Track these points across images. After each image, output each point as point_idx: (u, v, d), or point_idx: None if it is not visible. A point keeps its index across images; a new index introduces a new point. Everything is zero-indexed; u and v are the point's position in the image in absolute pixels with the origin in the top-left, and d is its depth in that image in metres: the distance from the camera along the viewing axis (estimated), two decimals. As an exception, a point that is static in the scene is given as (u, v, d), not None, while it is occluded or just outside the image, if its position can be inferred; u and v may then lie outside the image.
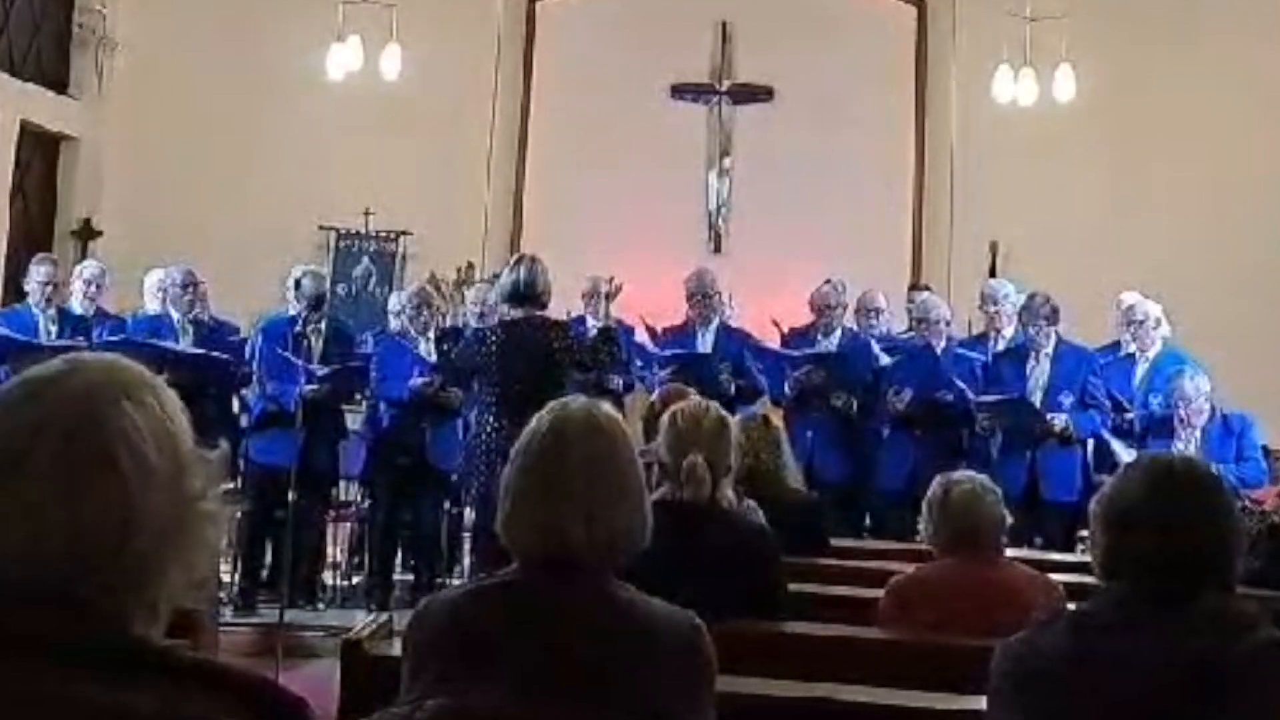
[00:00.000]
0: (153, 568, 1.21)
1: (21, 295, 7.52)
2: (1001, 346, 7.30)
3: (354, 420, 7.47)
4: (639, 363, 7.40)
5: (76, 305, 7.40)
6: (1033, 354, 6.84)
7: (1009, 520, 3.64)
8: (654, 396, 5.46)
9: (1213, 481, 2.22)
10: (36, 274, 7.24)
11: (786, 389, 7.14)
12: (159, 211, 10.18)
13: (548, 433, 2.15)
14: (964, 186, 10.56)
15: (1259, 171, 10.12)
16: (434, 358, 7.03)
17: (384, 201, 10.51)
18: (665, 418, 3.43)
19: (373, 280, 10.74)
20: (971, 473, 3.81)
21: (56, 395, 1.22)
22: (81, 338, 6.91)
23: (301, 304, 6.96)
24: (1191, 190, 10.19)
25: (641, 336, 7.58)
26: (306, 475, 6.48)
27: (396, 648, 2.42)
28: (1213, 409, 6.55)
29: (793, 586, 3.46)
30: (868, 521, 7.12)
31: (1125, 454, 6.07)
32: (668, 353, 7.29)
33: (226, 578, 6.90)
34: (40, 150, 10.33)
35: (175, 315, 7.18)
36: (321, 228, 10.64)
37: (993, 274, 9.80)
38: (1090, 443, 6.79)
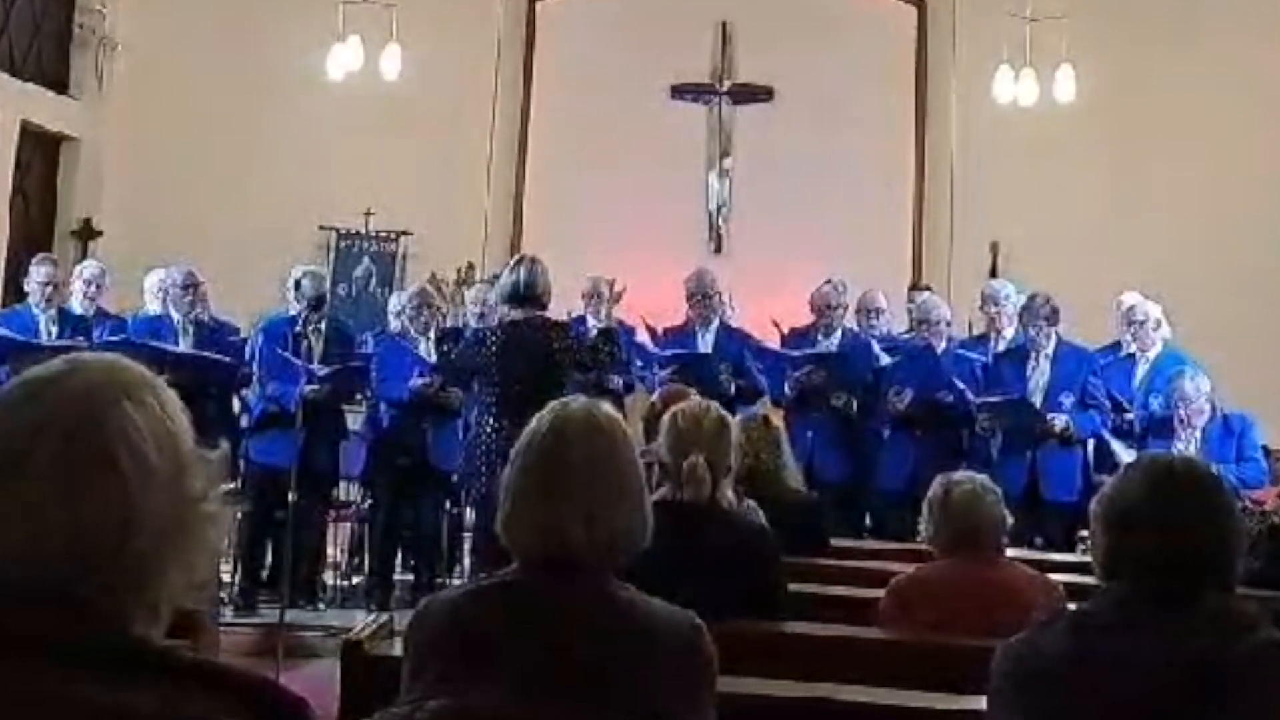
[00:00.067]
0: (153, 568, 1.21)
1: (22, 295, 7.52)
2: (1002, 347, 7.30)
3: (354, 420, 7.47)
4: (639, 363, 7.40)
5: (77, 305, 7.40)
6: (1033, 354, 6.84)
7: (1009, 520, 3.64)
8: (655, 397, 5.46)
9: (1213, 482, 2.22)
10: (37, 274, 7.23)
11: (787, 389, 7.14)
12: (159, 211, 10.18)
13: (548, 433, 2.16)
14: (964, 187, 10.56)
15: (1259, 171, 10.12)
16: (434, 358, 7.02)
17: (384, 202, 10.51)
18: (666, 418, 3.44)
19: (373, 280, 10.74)
20: (972, 473, 3.81)
21: (56, 395, 1.22)
22: (82, 338, 6.91)
23: (302, 304, 6.96)
24: (1191, 190, 10.19)
25: (642, 336, 7.58)
26: (307, 475, 6.47)
27: (397, 648, 2.42)
28: (1213, 409, 6.55)
29: (793, 586, 3.46)
30: (868, 522, 7.12)
31: (1125, 454, 6.07)
32: (668, 353, 7.29)
33: (227, 578, 6.90)
34: (40, 150, 10.33)
35: (176, 316, 7.18)
36: (322, 228, 10.64)
37: (993, 274, 9.80)
38: (1090, 443, 6.79)
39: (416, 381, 7.03)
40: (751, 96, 11.01)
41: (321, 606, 7.06)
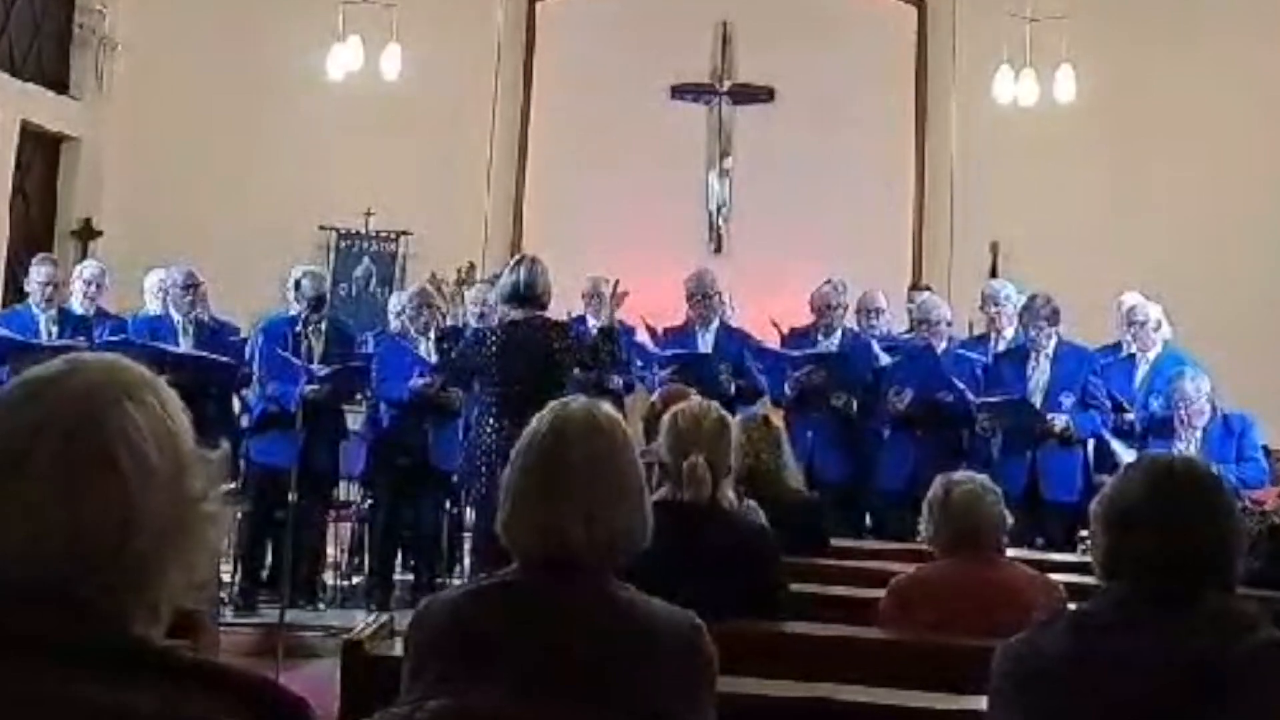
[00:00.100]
0: (153, 568, 1.21)
1: (22, 295, 7.53)
2: (1002, 347, 7.31)
3: (354, 420, 7.47)
4: (639, 363, 7.40)
5: (77, 305, 7.39)
6: (1033, 355, 6.84)
7: (1009, 520, 3.64)
8: (655, 397, 5.46)
9: (1213, 482, 2.22)
10: (37, 274, 7.23)
11: (787, 389, 7.14)
12: (159, 211, 10.18)
13: (548, 433, 2.16)
14: (964, 187, 10.55)
15: (1259, 171, 10.12)
16: (434, 358, 7.02)
17: (384, 202, 10.51)
18: (666, 418, 3.44)
19: (373, 280, 10.74)
20: (972, 473, 3.81)
21: (56, 395, 1.22)
22: (82, 338, 6.91)
23: (302, 304, 6.95)
24: (1191, 190, 10.19)
25: (642, 336, 7.58)
26: (307, 476, 6.47)
27: (397, 648, 2.42)
28: (1213, 409, 6.55)
29: (793, 586, 3.46)
30: (868, 522, 7.12)
31: (1126, 454, 6.07)
32: (668, 353, 7.29)
33: (227, 578, 6.90)
34: (41, 150, 10.33)
35: (176, 316, 7.18)
36: (322, 228, 10.64)
37: (993, 274, 9.81)
38: (1091, 443, 6.79)
39: (417, 382, 7.04)
40: (751, 96, 11.01)
41: (321, 606, 7.06)
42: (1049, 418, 6.63)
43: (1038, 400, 6.72)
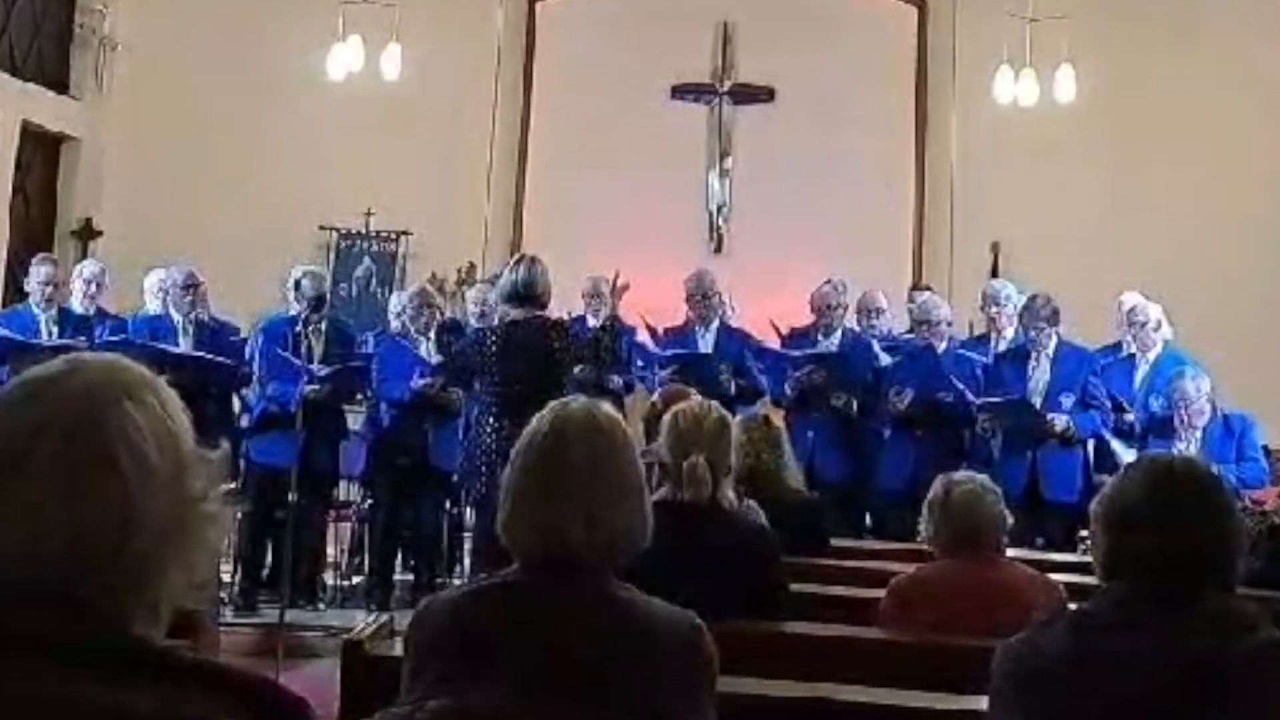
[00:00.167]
0: (153, 568, 1.21)
1: (22, 295, 7.53)
2: (1002, 347, 7.31)
3: (355, 420, 7.47)
4: (639, 363, 7.40)
5: (77, 305, 7.39)
6: (1033, 355, 6.84)
7: (1010, 521, 3.64)
8: (655, 397, 5.47)
9: (1213, 482, 2.22)
10: (37, 274, 7.24)
11: (787, 389, 7.14)
12: (159, 211, 10.18)
13: (548, 433, 2.16)
14: (965, 187, 10.55)
15: (1259, 171, 10.12)
16: (435, 354, 7.02)
17: (384, 202, 10.51)
18: (666, 418, 3.44)
19: (373, 280, 10.74)
20: (972, 473, 3.81)
21: (56, 395, 1.22)
22: (83, 338, 6.91)
23: (302, 304, 6.95)
24: (1191, 190, 10.19)
25: (642, 336, 7.58)
26: (307, 476, 6.47)
27: (397, 648, 2.42)
28: (1213, 409, 6.55)
29: (793, 586, 3.46)
30: (868, 522, 7.12)
31: (1126, 454, 6.07)
32: (668, 353, 7.30)
33: (227, 578, 6.90)
34: (41, 150, 10.33)
35: (176, 316, 7.18)
36: (322, 228, 10.64)
37: (994, 274, 9.81)
38: (1091, 443, 6.79)
39: (418, 382, 7.04)
40: (752, 96, 11.01)
41: (321, 606, 7.06)
42: (1049, 418, 6.63)
43: (1038, 400, 6.71)
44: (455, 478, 6.95)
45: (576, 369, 6.28)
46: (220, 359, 6.98)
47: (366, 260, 10.79)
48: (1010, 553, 3.80)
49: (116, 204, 10.44)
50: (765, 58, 10.90)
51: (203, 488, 1.26)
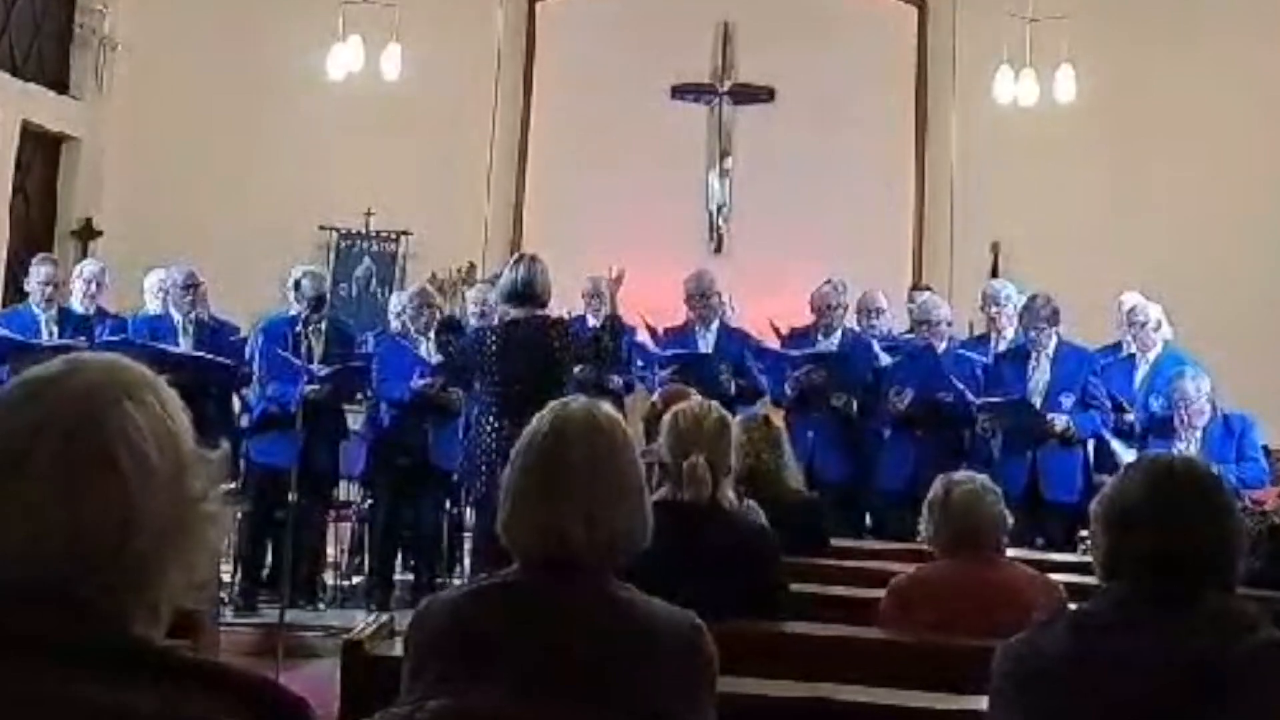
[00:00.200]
0: (153, 568, 1.21)
1: (22, 295, 7.53)
2: (1002, 347, 7.31)
3: (355, 420, 7.47)
4: (639, 363, 7.40)
5: (77, 305, 7.40)
6: (1033, 355, 6.84)
7: (1010, 521, 3.64)
8: (655, 397, 5.47)
9: (1213, 482, 2.22)
10: (37, 274, 7.24)
11: (787, 389, 7.14)
12: (159, 211, 10.18)
13: (548, 433, 2.16)
14: (965, 187, 10.55)
15: (1259, 171, 10.12)
16: (435, 358, 7.02)
17: (384, 202, 10.51)
18: (667, 418, 3.44)
19: (373, 280, 10.74)
20: (972, 473, 3.81)
21: (56, 395, 1.22)
22: (83, 338, 6.91)
23: (302, 304, 6.95)
24: (1191, 190, 10.19)
25: (642, 336, 7.58)
26: (307, 476, 6.47)
27: (397, 648, 2.42)
28: (1213, 409, 6.55)
29: (793, 586, 3.46)
30: (868, 522, 7.12)
31: (1126, 455, 6.07)
32: (668, 353, 7.30)
33: (227, 578, 6.90)
34: (41, 150, 10.33)
35: (176, 316, 7.18)
36: (322, 228, 10.64)
37: (994, 274, 9.81)
38: (1091, 443, 6.79)
39: (418, 382, 7.04)
40: (752, 96, 11.01)
41: (321, 606, 7.07)
42: (1049, 418, 6.63)
43: (1038, 400, 6.71)
44: (455, 478, 6.95)
45: (576, 369, 6.28)
46: (220, 359, 6.98)
47: (366, 260, 10.79)
48: (1010, 553, 3.80)
49: (116, 204, 10.44)
50: (765, 58, 10.90)
51: (203, 488, 1.26)
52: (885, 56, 11.08)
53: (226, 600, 6.77)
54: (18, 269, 8.84)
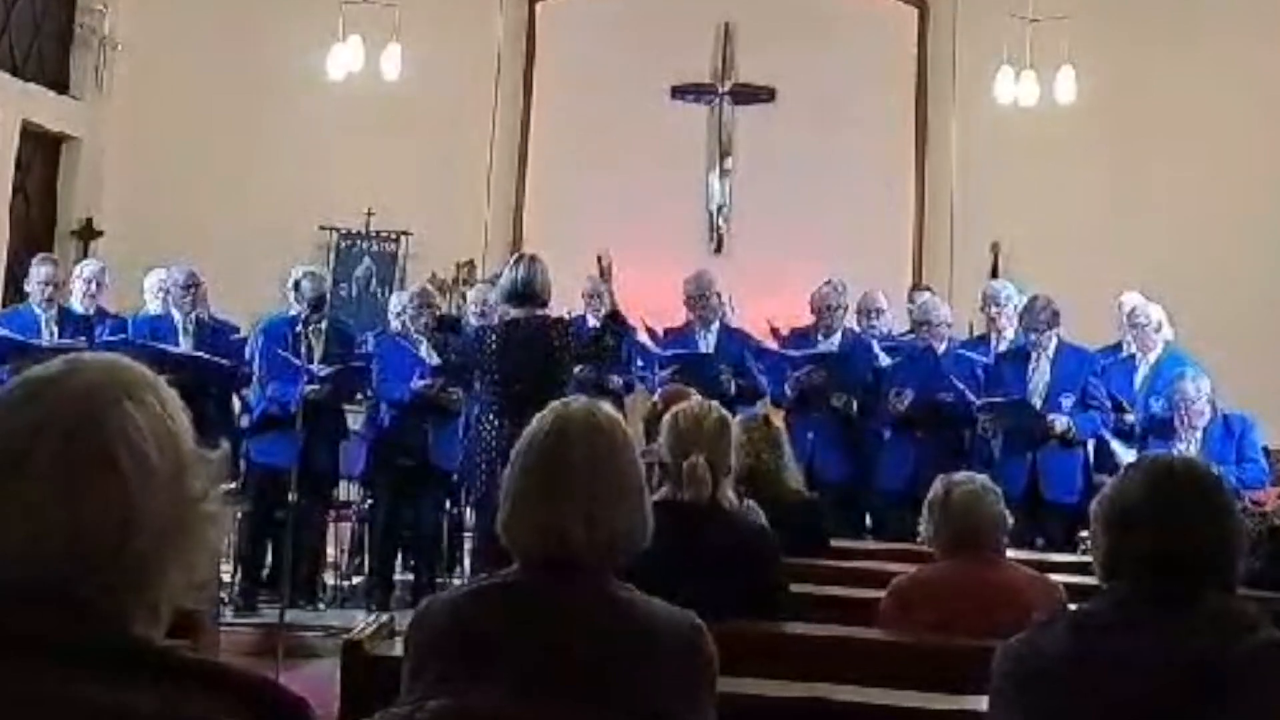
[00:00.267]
0: (153, 568, 1.21)
1: (22, 295, 7.53)
2: (1003, 348, 7.31)
3: (355, 420, 7.47)
4: (639, 363, 7.40)
5: (77, 305, 7.40)
6: (1034, 355, 6.84)
7: (1010, 521, 3.64)
8: (656, 397, 5.47)
9: (1213, 482, 2.22)
10: (37, 274, 7.24)
11: (787, 389, 7.14)
12: (159, 211, 10.18)
13: (549, 433, 2.16)
14: (965, 187, 10.55)
15: (1259, 171, 10.12)
16: (434, 358, 7.01)
17: (384, 202, 10.51)
18: (667, 419, 3.44)
19: (373, 281, 10.73)
20: (972, 474, 3.81)
21: (56, 395, 1.22)
22: (83, 338, 6.91)
23: (302, 305, 6.96)
24: (1191, 190, 10.19)
25: (642, 337, 7.58)
26: (307, 476, 6.47)
27: (397, 648, 2.42)
28: (1213, 410, 6.55)
29: (793, 587, 3.46)
30: (868, 522, 7.12)
31: (1126, 455, 6.07)
32: (669, 353, 7.30)
33: (227, 578, 6.90)
34: (41, 150, 10.32)
35: (176, 316, 7.18)
36: (322, 228, 10.64)
37: (994, 275, 9.80)
38: (1091, 444, 6.79)
39: (418, 382, 7.04)
40: (752, 97, 11.00)
41: (321, 606, 7.07)
42: (1049, 418, 6.63)
43: (1038, 401, 6.72)
44: (455, 477, 6.95)
45: (577, 369, 6.28)
46: (220, 359, 6.99)
47: (366, 260, 10.79)
48: (1010, 553, 3.80)
49: (116, 204, 10.44)
50: (765, 58, 10.89)
51: (203, 488, 1.26)
52: (885, 57, 11.08)
53: (226, 600, 6.77)
54: (18, 269, 8.83)
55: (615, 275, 6.20)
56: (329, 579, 7.43)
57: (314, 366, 6.76)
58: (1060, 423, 6.62)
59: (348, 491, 7.83)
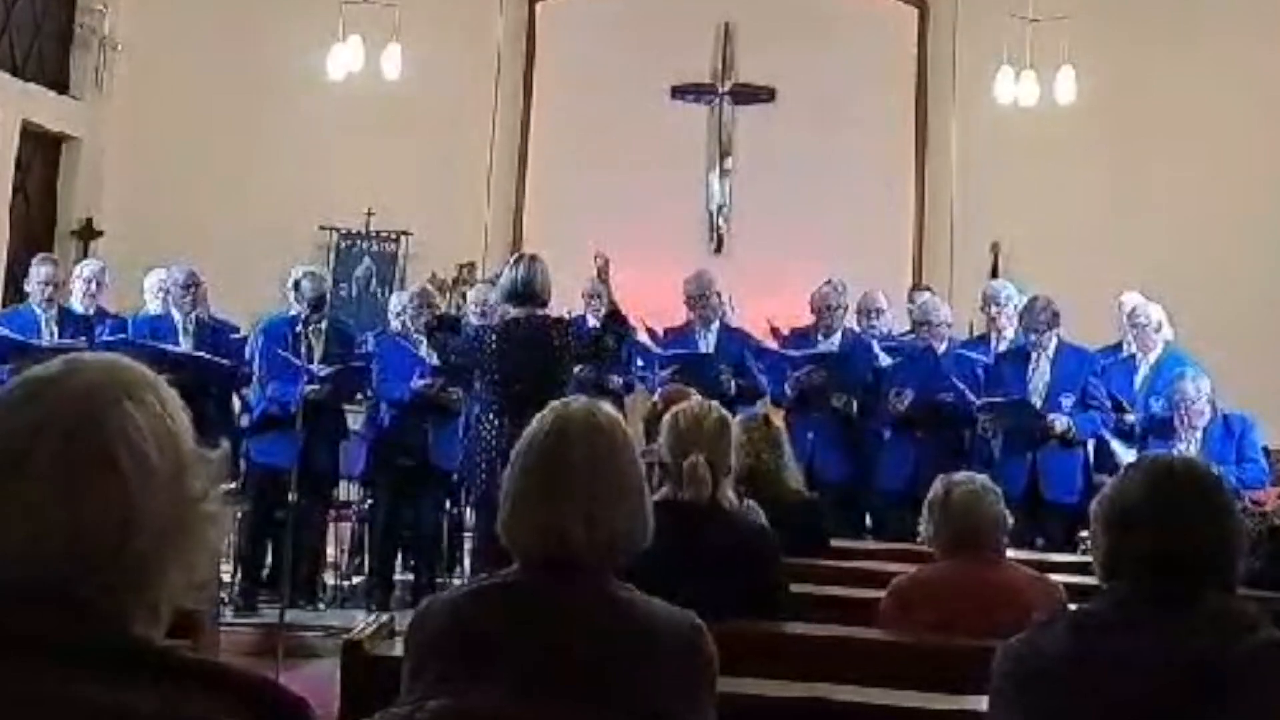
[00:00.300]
0: (153, 568, 1.21)
1: (22, 295, 7.53)
2: (1003, 347, 7.31)
3: (355, 420, 7.47)
4: (639, 363, 7.40)
5: (77, 304, 7.40)
6: (1034, 355, 6.84)
7: (1010, 521, 3.64)
8: (655, 397, 5.47)
9: (1213, 482, 2.22)
10: (37, 274, 7.24)
11: (787, 389, 7.14)
12: (159, 211, 10.18)
13: (549, 433, 2.16)
14: (965, 187, 10.55)
15: (1259, 171, 10.12)
16: (434, 358, 7.00)
17: (384, 202, 10.51)
18: (667, 418, 3.44)
19: (373, 281, 10.73)
20: (972, 474, 3.80)
21: (56, 395, 1.22)
22: (83, 338, 6.91)
23: (302, 305, 6.96)
24: (1191, 190, 10.19)
25: (642, 337, 7.57)
26: (307, 476, 6.47)
27: (397, 648, 2.42)
28: (1213, 410, 6.55)
29: (793, 587, 3.46)
30: (868, 522, 7.12)
31: (1126, 455, 6.07)
32: (669, 353, 7.30)
33: (227, 578, 6.90)
34: (41, 150, 10.33)
35: (177, 316, 7.18)
36: (322, 228, 10.64)
37: (994, 275, 9.80)
38: (1091, 444, 6.79)
39: (418, 382, 7.04)
40: (752, 97, 11.00)
41: (321, 606, 7.07)
42: (1049, 418, 6.62)
43: (1038, 401, 6.71)
44: (455, 477, 6.95)
45: (577, 369, 6.28)
46: (220, 359, 6.99)
47: (366, 260, 10.79)
48: (1010, 553, 3.80)
49: (116, 204, 10.44)
50: (765, 58, 10.90)
51: (203, 488, 1.25)
52: (886, 57, 11.08)
53: (226, 600, 6.77)
54: (18, 269, 8.83)
55: (613, 275, 6.19)
56: (329, 579, 7.43)
57: (314, 366, 6.76)
58: (1060, 423, 6.62)
59: (348, 491, 7.84)
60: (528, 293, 5.87)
